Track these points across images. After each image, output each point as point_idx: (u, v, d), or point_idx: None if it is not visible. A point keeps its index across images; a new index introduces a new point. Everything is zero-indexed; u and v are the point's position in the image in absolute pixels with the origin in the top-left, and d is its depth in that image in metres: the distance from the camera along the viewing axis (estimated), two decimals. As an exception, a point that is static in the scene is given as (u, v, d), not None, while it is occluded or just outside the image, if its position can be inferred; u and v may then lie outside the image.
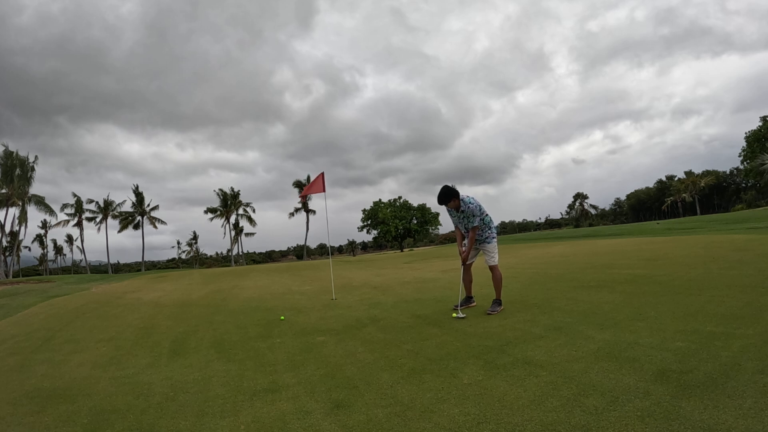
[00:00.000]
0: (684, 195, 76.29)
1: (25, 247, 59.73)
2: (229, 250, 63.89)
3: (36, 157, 40.54)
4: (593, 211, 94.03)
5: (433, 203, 47.45)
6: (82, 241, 53.03)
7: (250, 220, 56.67)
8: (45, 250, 71.72)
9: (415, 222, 48.43)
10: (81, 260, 70.71)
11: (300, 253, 64.88)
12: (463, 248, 4.86)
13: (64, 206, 49.00)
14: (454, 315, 4.60)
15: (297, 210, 54.27)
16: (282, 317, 5.62)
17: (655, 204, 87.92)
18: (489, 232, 4.81)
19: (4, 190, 38.05)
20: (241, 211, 56.13)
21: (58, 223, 49.59)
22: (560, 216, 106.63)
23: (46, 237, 69.15)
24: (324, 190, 7.87)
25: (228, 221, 54.80)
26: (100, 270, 58.96)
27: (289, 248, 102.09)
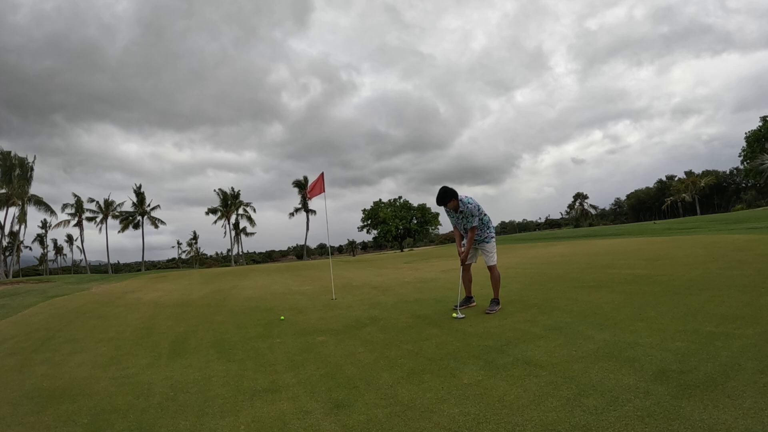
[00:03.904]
0: (684, 195, 76.23)
1: (26, 246, 59.73)
2: (229, 250, 63.96)
3: (35, 156, 40.61)
4: (593, 211, 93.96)
5: (432, 203, 47.44)
6: (82, 241, 53.11)
7: (251, 220, 56.74)
8: (45, 250, 71.72)
9: (415, 222, 48.39)
10: (81, 260, 70.80)
11: (300, 253, 64.87)
12: (462, 248, 4.86)
13: (65, 206, 49.07)
14: (454, 315, 4.61)
15: (297, 210, 54.35)
16: (282, 317, 5.62)
17: (655, 204, 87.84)
18: (488, 231, 4.81)
19: (3, 190, 38.05)
20: (241, 211, 56.19)
21: (59, 224, 49.60)
22: (560, 216, 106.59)
23: (46, 237, 69.16)
24: (324, 191, 7.87)
25: (228, 221, 54.82)
26: (100, 270, 58.95)
27: (289, 248, 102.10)
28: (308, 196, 9.04)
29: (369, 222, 48.40)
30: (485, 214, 4.78)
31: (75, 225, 50.08)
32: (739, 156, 52.82)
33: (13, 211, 39.49)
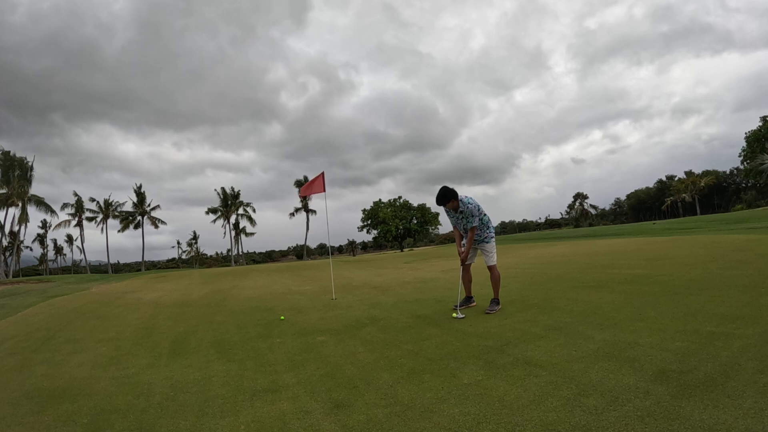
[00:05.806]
0: (684, 195, 76.21)
1: (26, 247, 59.72)
2: (229, 250, 63.99)
3: (34, 156, 40.65)
4: (593, 211, 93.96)
5: (432, 203, 47.51)
6: (82, 241, 53.17)
7: (251, 220, 56.76)
8: (45, 250, 71.71)
9: (415, 222, 48.39)
10: (81, 260, 70.78)
11: (300, 253, 64.88)
12: (462, 248, 4.86)
13: (65, 206, 49.08)
14: (454, 315, 4.61)
15: (297, 210, 54.42)
16: (282, 317, 5.62)
17: (655, 204, 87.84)
18: (487, 231, 4.81)
19: (3, 190, 38.05)
20: (241, 211, 56.21)
21: (60, 224, 49.60)
22: (560, 216, 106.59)
23: (46, 237, 69.14)
24: (324, 190, 7.87)
25: (228, 221, 54.83)
26: (100, 270, 58.95)
27: (289, 248, 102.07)
28: (301, 194, 9.02)
29: (369, 222, 48.39)
30: (485, 214, 4.78)
31: (75, 225, 50.17)
32: (739, 156, 52.89)
33: (13, 211, 39.56)
